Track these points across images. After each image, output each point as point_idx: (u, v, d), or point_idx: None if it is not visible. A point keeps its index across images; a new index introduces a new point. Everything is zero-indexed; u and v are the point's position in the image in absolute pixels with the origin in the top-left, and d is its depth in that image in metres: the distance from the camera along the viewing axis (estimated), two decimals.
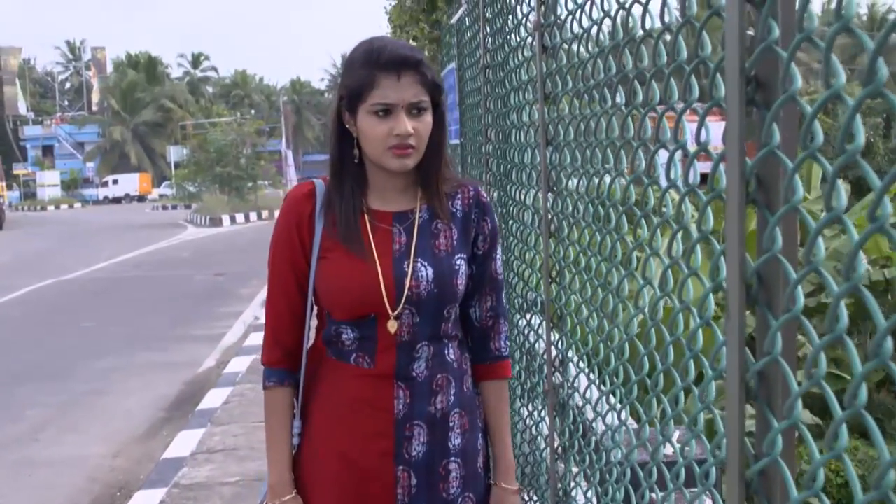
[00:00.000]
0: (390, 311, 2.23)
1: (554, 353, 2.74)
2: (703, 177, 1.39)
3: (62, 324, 13.60)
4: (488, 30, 4.03)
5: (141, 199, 71.17)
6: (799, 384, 1.11)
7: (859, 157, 0.94)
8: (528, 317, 3.25)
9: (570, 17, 2.29)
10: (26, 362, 10.86)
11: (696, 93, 1.44)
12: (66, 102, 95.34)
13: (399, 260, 2.26)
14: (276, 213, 2.46)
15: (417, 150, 2.20)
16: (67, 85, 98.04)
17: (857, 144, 0.92)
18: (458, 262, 2.30)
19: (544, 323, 2.82)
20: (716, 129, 1.34)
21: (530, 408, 3.26)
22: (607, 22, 1.97)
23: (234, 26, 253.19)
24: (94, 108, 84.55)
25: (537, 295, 2.98)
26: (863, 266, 0.94)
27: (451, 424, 2.34)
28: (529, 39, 2.86)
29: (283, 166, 53.88)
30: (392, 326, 2.24)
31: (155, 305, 15.17)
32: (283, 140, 58.79)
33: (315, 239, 2.31)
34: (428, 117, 2.20)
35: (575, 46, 2.30)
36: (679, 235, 1.52)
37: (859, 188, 15.84)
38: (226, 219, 37.70)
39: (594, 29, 2.12)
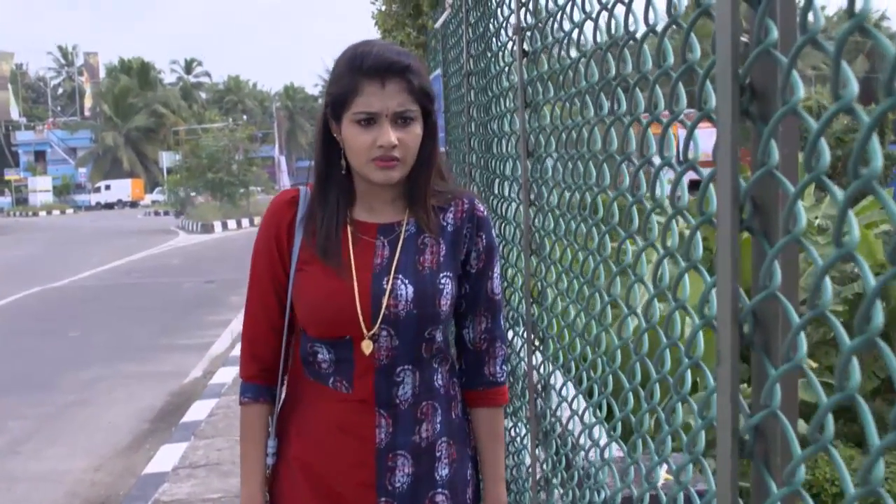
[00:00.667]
0: (365, 331, 2.09)
1: (536, 377, 2.58)
2: (696, 183, 1.23)
3: (48, 332, 13.41)
4: (471, 34, 3.87)
5: (133, 204, 70.99)
6: (801, 439, 0.96)
7: (875, 182, 0.78)
8: (510, 336, 3.09)
9: (551, 19, 2.13)
10: (10, 372, 10.66)
11: (684, 102, 1.28)
12: (59, 108, 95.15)
13: (378, 276, 2.12)
14: None
15: (403, 162, 2.06)
16: (60, 90, 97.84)
17: (873, 168, 0.76)
18: (443, 281, 2.15)
19: (525, 346, 2.66)
20: (706, 137, 1.15)
21: (513, 432, 3.11)
22: (590, 25, 1.81)
23: (228, 32, 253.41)
24: (87, 113, 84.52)
25: (519, 315, 2.82)
26: (880, 316, 0.78)
27: (437, 454, 2.20)
28: (510, 44, 2.70)
29: (276, 172, 53.89)
30: (366, 347, 2.10)
31: (143, 314, 14.98)
32: (276, 146, 58.77)
33: (294, 249, 2.18)
34: (416, 128, 2.06)
35: (557, 51, 2.14)
36: (665, 262, 1.36)
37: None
38: (217, 225, 37.58)
39: (576, 33, 1.96)
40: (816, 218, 13.62)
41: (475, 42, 3.76)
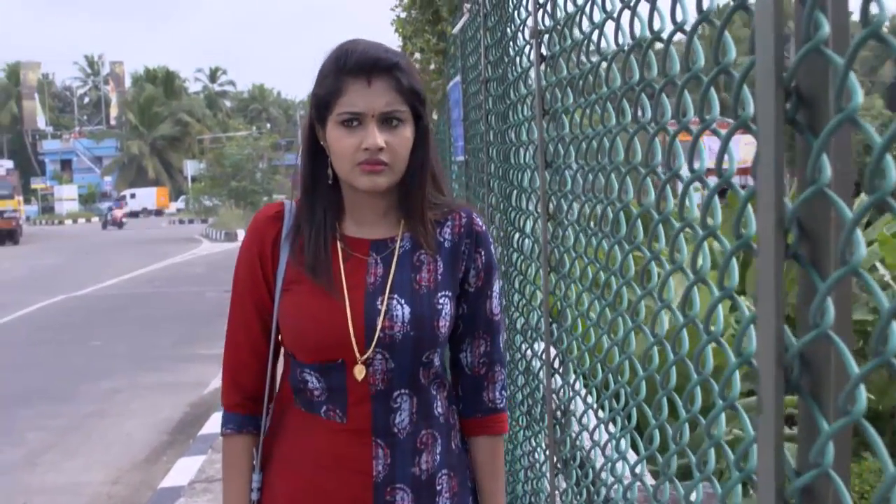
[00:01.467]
0: (358, 355, 1.93)
1: (555, 402, 2.43)
2: (723, 191, 1.11)
3: (69, 342, 13.43)
4: (489, 40, 3.73)
5: (158, 213, 71.40)
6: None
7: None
8: (527, 355, 2.93)
9: (570, 21, 1.98)
10: (31, 383, 10.64)
11: (717, 109, 1.12)
12: (85, 117, 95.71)
13: (372, 295, 1.96)
14: None
15: (391, 167, 1.90)
16: (86, 99, 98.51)
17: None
18: (441, 301, 1.99)
19: (544, 368, 2.51)
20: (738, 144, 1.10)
21: (532, 458, 2.94)
22: (611, 26, 1.66)
23: (252, 41, 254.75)
24: (112, 122, 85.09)
25: (537, 335, 2.67)
26: None
27: (438, 487, 2.03)
28: (528, 48, 2.55)
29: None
30: (360, 373, 1.94)
31: (165, 323, 15.00)
32: (300, 153, 58.80)
33: (279, 268, 2.02)
34: (405, 130, 1.91)
35: (577, 55, 1.98)
36: (696, 289, 1.21)
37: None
38: (241, 233, 37.27)
39: (596, 34, 1.81)
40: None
41: (493, 47, 3.61)
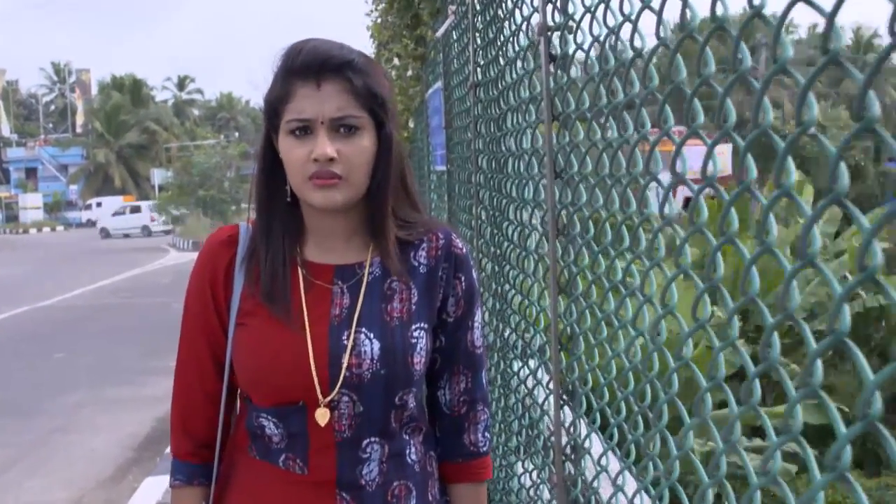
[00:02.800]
0: (321, 397, 1.70)
1: (565, 438, 2.20)
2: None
3: (33, 355, 13.16)
4: (479, 42, 3.51)
5: None
6: None
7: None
8: (530, 382, 2.69)
9: (590, 15, 1.75)
10: None
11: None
12: (51, 125, 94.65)
13: (337, 329, 1.73)
14: None
15: (347, 180, 1.66)
16: (52, 107, 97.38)
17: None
18: (415, 334, 1.76)
19: (552, 398, 2.28)
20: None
21: (534, 493, 2.70)
22: (644, 16, 1.45)
23: (222, 50, 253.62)
24: (79, 130, 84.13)
25: (541, 361, 2.44)
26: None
27: None
28: (532, 48, 2.32)
29: None
30: (322, 417, 1.71)
31: (131, 334, 14.68)
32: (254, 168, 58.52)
33: (233, 299, 1.79)
34: (362, 139, 1.67)
35: (597, 52, 1.76)
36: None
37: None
38: None
39: (613, 30, 1.61)
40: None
41: (484, 49, 3.39)
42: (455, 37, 4.48)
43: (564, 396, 2.22)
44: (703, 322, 1.22)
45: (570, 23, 1.93)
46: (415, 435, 1.83)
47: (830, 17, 0.88)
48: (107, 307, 18.41)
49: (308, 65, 1.64)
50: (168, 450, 6.71)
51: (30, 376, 11.53)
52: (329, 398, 1.70)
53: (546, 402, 2.34)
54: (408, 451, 1.80)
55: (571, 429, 2.17)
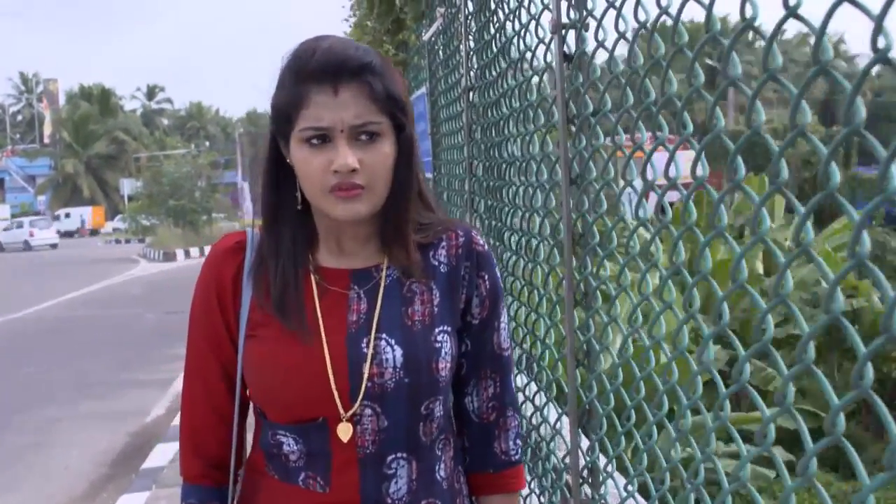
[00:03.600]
0: (342, 411, 1.59)
1: (582, 461, 2.06)
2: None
3: (2, 369, 12.84)
4: (472, 45, 3.39)
5: (94, 232, 69.97)
6: None
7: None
8: (538, 400, 2.54)
9: (615, 10, 1.62)
10: None
11: (808, 115, 0.85)
12: (18, 135, 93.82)
13: (355, 337, 1.62)
14: None
15: (370, 189, 1.56)
16: (19, 117, 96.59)
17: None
18: (439, 338, 1.65)
19: (564, 418, 2.14)
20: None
21: None
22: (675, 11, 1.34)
23: (191, 59, 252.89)
24: (46, 140, 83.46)
25: (552, 379, 2.29)
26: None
27: None
28: (542, 48, 2.19)
29: (239, 199, 53.37)
30: (345, 433, 1.60)
31: (102, 347, 14.39)
32: (239, 171, 58.25)
33: (242, 310, 1.67)
34: (384, 145, 1.56)
35: (627, 49, 1.63)
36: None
37: (820, 218, 15.75)
38: (180, 253, 36.88)
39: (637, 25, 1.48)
40: (786, 239, 13.60)
41: (479, 52, 3.27)
42: (443, 40, 4.35)
43: (582, 419, 2.08)
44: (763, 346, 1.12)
45: (594, 17, 1.80)
46: (445, 449, 1.72)
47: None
48: (77, 319, 18.10)
49: (324, 68, 1.52)
50: (143, 465, 6.60)
51: None
52: (351, 412, 1.59)
53: (559, 423, 2.20)
54: (437, 467, 1.69)
55: (589, 452, 2.04)
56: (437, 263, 1.70)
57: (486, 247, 1.77)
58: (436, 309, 1.67)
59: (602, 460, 1.96)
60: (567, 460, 2.11)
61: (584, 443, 2.13)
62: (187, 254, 37.45)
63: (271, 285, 1.65)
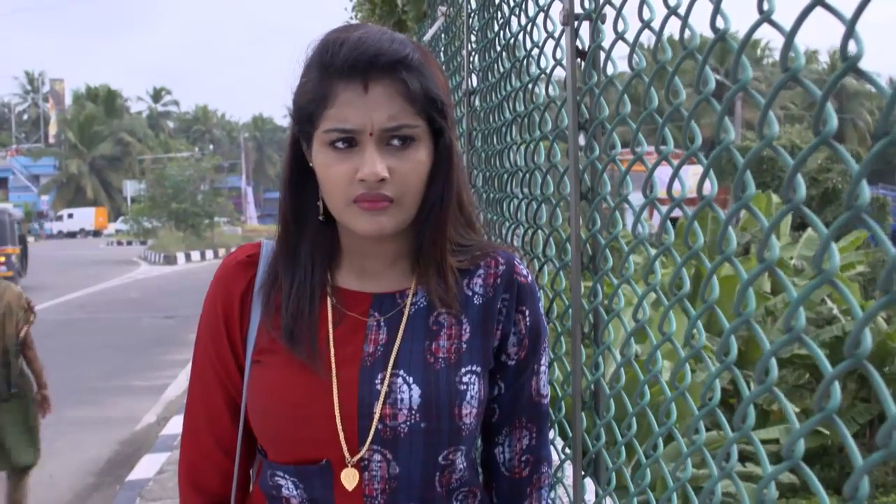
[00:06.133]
0: (347, 455, 1.38)
1: None
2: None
3: None
4: (474, 45, 3.14)
5: (96, 233, 69.97)
6: None
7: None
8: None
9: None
10: None
11: None
12: (23, 134, 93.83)
13: (369, 371, 1.41)
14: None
15: (399, 203, 1.34)
16: (25, 116, 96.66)
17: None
18: (465, 379, 1.42)
19: (568, 465, 1.88)
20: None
21: None
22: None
23: (198, 62, 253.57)
24: (51, 140, 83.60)
25: (556, 419, 2.03)
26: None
27: None
28: (550, 43, 1.92)
29: (243, 203, 53.37)
30: (349, 480, 1.38)
31: (96, 352, 14.23)
32: (243, 176, 58.25)
33: (250, 332, 1.47)
34: (418, 152, 1.35)
35: (651, 43, 1.38)
36: None
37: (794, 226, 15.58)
38: (181, 256, 36.98)
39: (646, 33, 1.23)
40: (791, 258, 13.38)
41: (481, 52, 3.01)
42: (445, 40, 4.11)
43: (586, 467, 1.82)
44: None
45: (613, 6, 1.54)
46: (467, 501, 1.50)
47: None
48: (73, 322, 17.92)
49: (353, 62, 1.31)
50: (129, 477, 6.37)
51: None
52: (358, 457, 1.39)
53: (560, 470, 1.95)
54: None
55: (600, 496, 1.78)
56: (470, 294, 1.48)
57: (531, 277, 1.54)
58: (464, 346, 1.45)
59: None
60: None
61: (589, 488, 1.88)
62: (188, 257, 37.62)
63: (282, 308, 1.45)
